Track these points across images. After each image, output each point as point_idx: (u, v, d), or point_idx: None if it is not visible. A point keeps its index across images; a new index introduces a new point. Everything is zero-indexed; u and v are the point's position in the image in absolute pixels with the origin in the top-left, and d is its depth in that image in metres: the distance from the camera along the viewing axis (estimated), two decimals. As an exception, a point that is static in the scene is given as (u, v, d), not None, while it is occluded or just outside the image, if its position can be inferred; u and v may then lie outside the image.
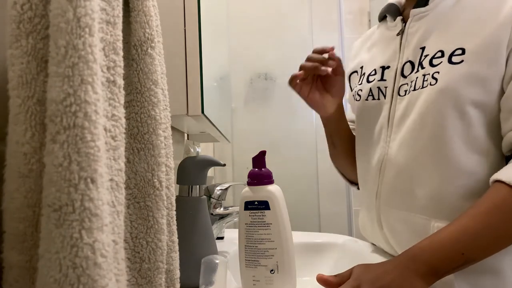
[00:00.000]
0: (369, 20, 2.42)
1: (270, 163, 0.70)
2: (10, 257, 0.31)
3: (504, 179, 0.59)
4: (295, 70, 0.80)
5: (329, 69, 0.76)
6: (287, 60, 2.07)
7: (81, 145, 0.29)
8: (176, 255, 0.49)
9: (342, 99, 0.85)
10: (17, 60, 0.31)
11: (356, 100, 0.84)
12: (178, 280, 0.49)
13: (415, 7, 0.74)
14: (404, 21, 0.77)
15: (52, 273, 0.28)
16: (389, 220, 0.74)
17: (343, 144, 0.91)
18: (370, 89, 0.80)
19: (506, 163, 0.63)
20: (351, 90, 0.90)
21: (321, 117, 0.88)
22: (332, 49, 0.76)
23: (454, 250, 0.57)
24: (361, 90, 0.82)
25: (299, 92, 0.81)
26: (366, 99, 0.80)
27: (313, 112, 0.86)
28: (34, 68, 0.32)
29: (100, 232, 0.29)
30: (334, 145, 0.93)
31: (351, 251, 0.90)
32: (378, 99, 0.78)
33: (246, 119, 2.03)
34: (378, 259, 0.78)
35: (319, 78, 0.81)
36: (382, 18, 0.85)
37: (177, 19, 0.66)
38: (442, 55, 0.67)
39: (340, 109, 0.87)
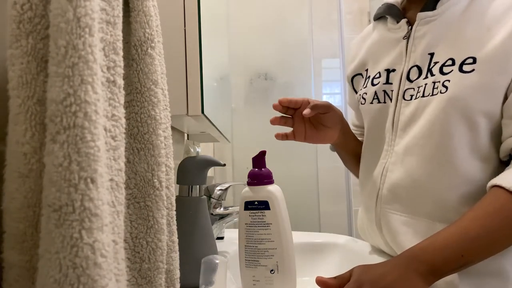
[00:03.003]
0: (369, 20, 2.42)
1: (270, 163, 0.70)
2: (10, 257, 0.31)
3: (503, 184, 0.60)
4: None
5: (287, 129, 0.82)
6: (287, 60, 2.07)
7: (81, 145, 0.29)
8: (176, 255, 0.49)
9: (339, 127, 0.85)
10: (17, 60, 0.31)
11: (361, 103, 0.83)
12: (178, 280, 0.49)
13: (422, 10, 0.73)
14: (410, 24, 0.76)
15: (52, 273, 0.28)
16: (390, 222, 0.74)
17: (352, 158, 0.93)
18: (375, 92, 0.79)
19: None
20: (356, 93, 0.89)
21: (334, 147, 0.93)
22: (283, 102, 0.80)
23: (454, 251, 0.58)
24: (366, 93, 0.82)
25: (295, 139, 0.84)
26: (371, 102, 0.80)
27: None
28: (34, 68, 0.32)
29: (100, 232, 0.29)
30: (344, 160, 0.97)
31: (351, 251, 0.90)
32: (384, 102, 0.77)
33: (246, 119, 2.03)
34: (378, 259, 0.78)
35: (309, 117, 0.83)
36: (379, 18, 0.84)
37: (177, 19, 0.66)
38: (453, 63, 0.67)
39: (343, 132, 0.87)
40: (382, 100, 0.78)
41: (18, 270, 0.31)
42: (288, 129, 0.84)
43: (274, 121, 0.81)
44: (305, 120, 0.82)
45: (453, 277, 0.62)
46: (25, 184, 0.31)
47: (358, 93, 0.86)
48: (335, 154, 0.98)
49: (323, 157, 1.99)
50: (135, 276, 0.42)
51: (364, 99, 0.82)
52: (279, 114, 0.84)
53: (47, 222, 0.28)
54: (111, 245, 0.31)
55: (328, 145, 0.95)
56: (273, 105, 0.80)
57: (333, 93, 2.16)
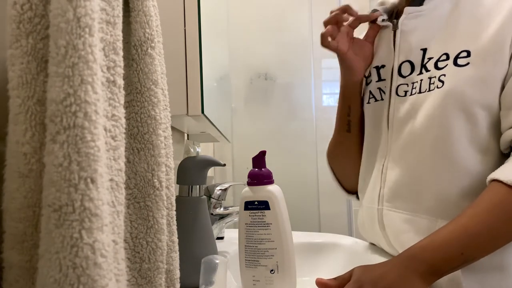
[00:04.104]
0: (369, 20, 2.41)
1: (270, 163, 0.70)
2: (10, 257, 0.31)
3: (501, 178, 0.59)
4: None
5: (350, 18, 0.76)
6: (287, 60, 2.07)
7: (81, 145, 0.29)
8: (176, 255, 0.49)
9: (369, 66, 0.80)
10: (17, 60, 0.31)
11: None
12: (178, 280, 0.49)
13: (410, 5, 0.74)
14: (397, 18, 0.76)
15: (52, 273, 0.28)
16: (392, 221, 0.74)
17: (359, 127, 0.83)
18: (370, 92, 0.79)
19: None
20: None
21: (346, 85, 0.81)
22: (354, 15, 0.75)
23: (454, 249, 0.58)
24: (363, 94, 0.81)
25: (336, 50, 0.76)
26: (368, 102, 0.80)
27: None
28: (34, 68, 0.32)
29: (100, 232, 0.29)
30: (349, 126, 0.83)
31: (351, 251, 0.90)
32: (382, 99, 0.77)
33: (246, 119, 2.03)
34: (378, 259, 0.78)
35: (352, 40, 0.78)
36: None
37: (177, 19, 0.66)
38: (447, 58, 0.67)
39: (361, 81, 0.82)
40: (378, 98, 0.78)
41: (18, 270, 0.31)
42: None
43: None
44: (350, 39, 0.78)
45: (455, 274, 0.62)
46: (25, 184, 0.31)
47: None
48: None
49: (323, 157, 1.99)
50: (135, 276, 0.42)
51: (362, 100, 0.82)
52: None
53: (47, 222, 0.28)
54: (111, 245, 0.31)
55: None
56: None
57: (333, 93, 2.15)
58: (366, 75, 0.81)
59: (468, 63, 0.65)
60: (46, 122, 0.29)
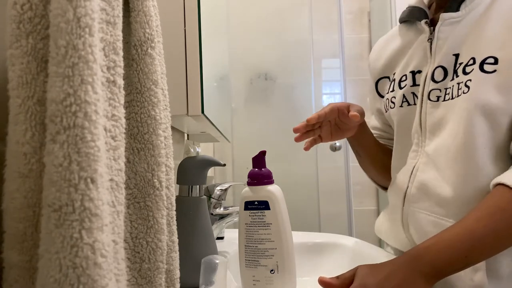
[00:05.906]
0: (369, 20, 2.42)
1: (270, 163, 0.70)
2: (10, 257, 0.31)
3: (508, 182, 0.59)
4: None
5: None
6: (287, 60, 2.07)
7: (81, 145, 0.29)
8: (176, 255, 0.49)
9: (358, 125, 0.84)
10: (17, 60, 0.31)
11: (391, 107, 0.82)
12: (178, 280, 0.49)
13: (446, 11, 0.72)
14: (433, 24, 0.75)
15: (52, 273, 0.28)
16: (418, 221, 0.73)
17: (367, 153, 0.91)
18: (404, 95, 0.78)
19: None
20: (381, 97, 0.89)
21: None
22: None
23: (459, 253, 0.58)
24: (395, 97, 0.81)
25: (322, 142, 0.84)
26: (401, 106, 0.79)
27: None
28: (34, 68, 0.32)
29: (100, 232, 0.29)
30: (359, 154, 0.93)
31: (351, 251, 0.90)
32: (414, 104, 0.77)
33: (246, 119, 2.03)
34: (378, 259, 0.78)
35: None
36: (405, 20, 0.83)
37: (177, 19, 0.66)
38: (474, 63, 0.66)
39: (361, 126, 0.86)
40: (411, 102, 0.77)
41: (18, 270, 0.31)
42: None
43: (299, 139, 0.82)
44: (331, 123, 0.82)
45: (481, 281, 0.62)
46: (25, 184, 0.31)
47: (385, 97, 0.85)
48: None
49: (323, 157, 1.99)
50: (135, 276, 0.42)
51: (393, 103, 0.81)
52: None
53: (47, 222, 0.28)
54: (111, 245, 0.31)
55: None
56: (294, 129, 0.80)
57: (333, 93, 2.16)
58: (403, 79, 0.80)
59: (495, 71, 0.64)
60: (46, 122, 0.29)
